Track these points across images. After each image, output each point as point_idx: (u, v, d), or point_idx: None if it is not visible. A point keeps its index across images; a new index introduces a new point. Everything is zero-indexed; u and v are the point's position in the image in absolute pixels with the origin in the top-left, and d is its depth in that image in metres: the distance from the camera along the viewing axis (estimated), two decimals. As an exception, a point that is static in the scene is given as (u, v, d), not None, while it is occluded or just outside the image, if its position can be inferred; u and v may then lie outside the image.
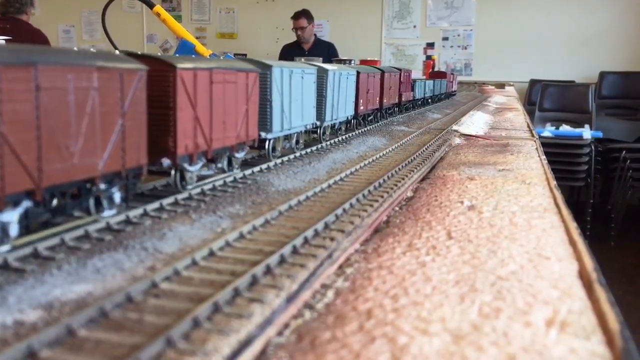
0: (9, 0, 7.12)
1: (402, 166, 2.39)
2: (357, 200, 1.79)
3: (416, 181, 2.20)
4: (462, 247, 1.44)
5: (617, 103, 10.16)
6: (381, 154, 2.68)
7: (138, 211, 1.54)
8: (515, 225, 1.64)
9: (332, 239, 1.41)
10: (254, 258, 1.26)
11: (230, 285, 1.08)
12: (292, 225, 1.53)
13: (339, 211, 1.63)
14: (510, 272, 1.27)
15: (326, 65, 2.97)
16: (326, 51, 9.14)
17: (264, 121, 2.23)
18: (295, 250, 1.32)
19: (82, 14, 12.86)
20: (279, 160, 2.35)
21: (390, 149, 2.85)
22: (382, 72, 3.97)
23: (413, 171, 2.31)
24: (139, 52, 1.66)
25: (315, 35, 10.03)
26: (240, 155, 2.05)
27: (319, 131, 2.89)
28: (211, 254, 1.29)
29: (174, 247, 1.34)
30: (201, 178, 1.90)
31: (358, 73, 3.36)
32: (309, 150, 2.68)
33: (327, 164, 2.43)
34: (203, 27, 12.58)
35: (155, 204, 1.61)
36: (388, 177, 2.16)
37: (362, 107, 3.48)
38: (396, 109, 4.64)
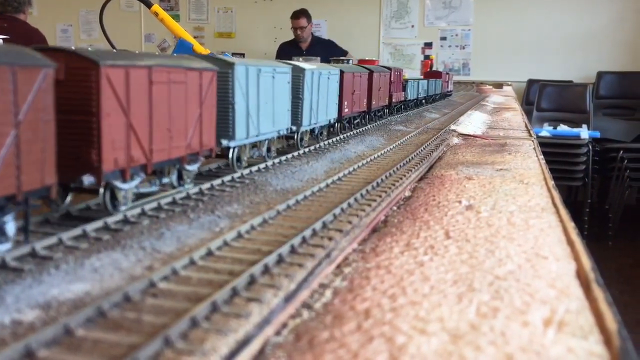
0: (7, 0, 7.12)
1: (400, 166, 2.39)
2: (355, 199, 1.79)
3: (414, 181, 2.20)
4: (460, 246, 1.44)
5: (615, 103, 10.17)
6: (379, 153, 2.68)
7: (136, 210, 1.54)
8: (513, 224, 1.64)
9: (330, 239, 1.41)
10: (252, 257, 1.26)
11: (228, 285, 1.08)
12: (290, 225, 1.53)
13: (337, 211, 1.63)
14: (508, 271, 1.27)
15: (304, 64, 2.73)
16: (325, 49, 9.11)
17: (226, 127, 1.97)
18: (293, 250, 1.32)
19: (80, 13, 12.83)
20: (277, 160, 2.35)
21: (388, 148, 2.85)
22: (370, 71, 3.69)
23: (411, 171, 2.31)
24: (54, 46, 1.41)
25: (312, 34, 10.03)
26: (192, 167, 1.79)
27: (295, 137, 2.63)
28: (209, 253, 1.29)
29: (172, 246, 1.34)
30: (143, 196, 1.65)
31: (342, 72, 3.13)
32: (296, 153, 2.67)
33: (325, 163, 2.43)
34: (201, 27, 12.56)
35: (153, 204, 1.61)
36: (386, 176, 2.16)
37: (346, 110, 3.22)
38: (386, 110, 4.38)
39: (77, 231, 1.35)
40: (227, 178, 1.98)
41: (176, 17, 11.94)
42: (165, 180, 1.72)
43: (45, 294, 1.06)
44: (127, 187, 1.51)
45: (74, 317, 0.93)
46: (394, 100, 4.40)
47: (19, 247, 1.22)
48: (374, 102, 3.77)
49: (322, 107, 2.84)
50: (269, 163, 2.29)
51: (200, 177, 2.02)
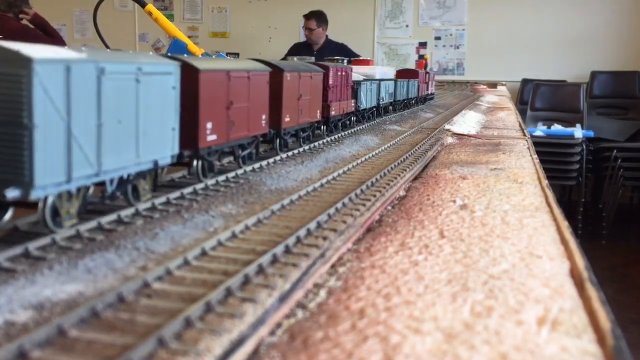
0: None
1: (395, 165, 2.39)
2: (350, 199, 1.79)
3: (408, 180, 2.20)
4: (454, 246, 1.44)
5: (608, 102, 10.22)
6: (373, 153, 2.69)
7: (130, 211, 1.54)
8: (507, 224, 1.65)
9: (324, 238, 1.41)
10: (246, 257, 1.26)
11: (222, 285, 1.08)
12: (284, 225, 1.52)
13: (332, 210, 1.63)
14: (502, 270, 1.27)
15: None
16: (336, 53, 9.08)
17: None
18: (287, 250, 1.32)
19: (74, 13, 12.79)
20: (271, 160, 2.35)
21: (383, 148, 2.85)
22: (276, 69, 2.36)
23: (405, 170, 2.31)
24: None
25: (327, 36, 9.99)
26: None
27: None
28: (203, 253, 1.28)
29: (166, 246, 1.34)
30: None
31: (189, 69, 1.75)
32: (290, 153, 2.66)
33: (320, 163, 2.43)
34: (195, 27, 12.54)
35: (147, 204, 1.61)
36: (380, 176, 2.16)
37: (211, 138, 1.84)
38: (318, 129, 2.98)
39: (70, 231, 1.35)
40: (222, 178, 1.97)
41: (170, 17, 11.91)
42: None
43: (38, 294, 1.05)
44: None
45: (68, 317, 0.93)
46: (334, 112, 3.08)
47: (12, 248, 1.21)
48: (286, 119, 2.46)
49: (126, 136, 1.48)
50: (264, 163, 2.28)
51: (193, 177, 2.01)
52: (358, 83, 3.57)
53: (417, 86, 5.55)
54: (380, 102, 4.20)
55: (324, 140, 2.94)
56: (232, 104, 1.94)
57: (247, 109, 2.08)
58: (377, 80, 4.08)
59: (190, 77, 1.74)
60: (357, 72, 3.83)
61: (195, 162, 1.86)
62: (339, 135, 3.17)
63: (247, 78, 2.06)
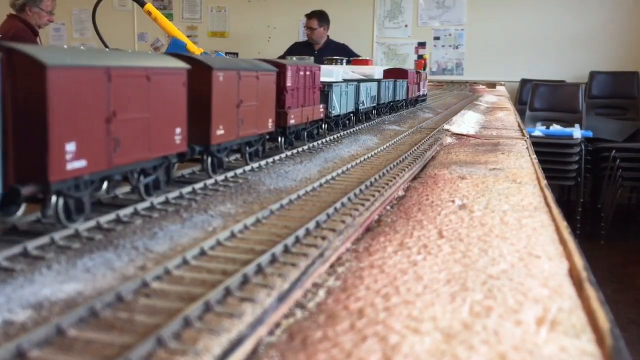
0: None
1: (394, 165, 2.39)
2: (349, 199, 1.79)
3: (407, 180, 2.20)
4: (453, 246, 1.44)
5: (607, 103, 10.23)
6: (372, 152, 2.69)
7: (129, 210, 1.53)
8: (506, 224, 1.65)
9: (323, 238, 1.41)
10: (245, 257, 1.26)
11: (221, 285, 1.08)
12: (283, 224, 1.52)
13: (331, 210, 1.63)
14: (501, 270, 1.27)
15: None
16: (338, 53, 9.05)
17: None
18: (286, 249, 1.32)
19: (73, 12, 12.78)
20: (270, 160, 2.35)
21: (382, 147, 2.85)
22: (204, 67, 1.81)
23: (404, 170, 2.31)
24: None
25: (328, 36, 9.99)
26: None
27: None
28: (202, 253, 1.28)
29: (165, 246, 1.34)
30: None
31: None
32: (299, 149, 2.66)
33: (319, 162, 2.43)
34: (194, 26, 12.54)
35: (146, 203, 1.61)
36: (379, 176, 2.16)
37: (75, 166, 1.30)
38: (277, 140, 2.50)
39: (69, 231, 1.35)
40: (220, 178, 1.97)
41: (169, 16, 11.91)
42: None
43: (37, 294, 1.05)
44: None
45: (66, 317, 0.93)
46: (294, 120, 2.53)
47: (10, 247, 1.21)
48: (218, 131, 1.89)
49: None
50: (262, 162, 2.28)
51: (192, 177, 2.02)
52: (329, 85, 3.05)
53: (406, 87, 5.01)
54: (360, 107, 3.61)
55: (323, 140, 2.94)
56: (113, 118, 1.42)
57: (148, 125, 1.59)
58: (354, 81, 3.54)
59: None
60: (357, 72, 3.78)
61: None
62: (338, 135, 3.16)
63: (146, 78, 1.53)
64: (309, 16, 9.76)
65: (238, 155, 2.30)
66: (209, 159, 1.92)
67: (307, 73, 2.73)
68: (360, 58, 8.34)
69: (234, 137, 2.01)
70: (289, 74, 2.50)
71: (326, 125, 3.06)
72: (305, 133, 2.78)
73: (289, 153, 2.52)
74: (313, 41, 9.78)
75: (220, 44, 11.79)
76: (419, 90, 5.64)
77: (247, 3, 12.27)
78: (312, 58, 8.15)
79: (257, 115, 2.19)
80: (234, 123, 1.99)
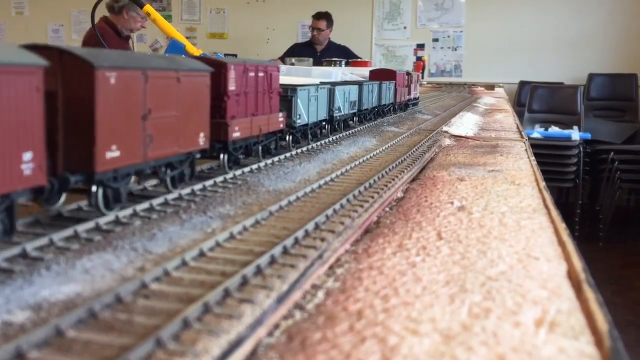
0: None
1: (392, 167, 2.39)
2: (348, 200, 1.79)
3: (406, 182, 2.21)
4: (452, 247, 1.45)
5: (605, 105, 10.25)
6: (371, 154, 2.69)
7: (128, 211, 1.53)
8: (504, 225, 1.65)
9: (322, 240, 1.41)
10: (244, 258, 1.26)
11: (220, 286, 1.08)
12: (282, 226, 1.52)
13: (330, 212, 1.63)
14: (499, 272, 1.27)
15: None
16: (339, 55, 9.07)
17: None
18: (285, 251, 1.32)
19: (72, 13, 12.79)
20: (269, 161, 2.35)
21: (381, 149, 2.86)
22: (87, 66, 1.31)
23: (403, 172, 2.31)
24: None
25: (329, 38, 10.02)
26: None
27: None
28: (201, 254, 1.28)
29: (164, 247, 1.34)
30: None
31: None
32: (299, 150, 2.67)
33: (318, 164, 2.43)
34: (193, 27, 12.55)
35: (145, 204, 1.61)
36: (378, 177, 2.16)
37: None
38: (218, 158, 2.05)
39: (68, 232, 1.35)
40: (219, 179, 1.97)
41: (168, 18, 11.91)
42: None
43: (35, 295, 1.05)
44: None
45: (65, 318, 0.93)
46: (239, 133, 2.06)
47: (9, 248, 1.21)
48: (109, 152, 1.42)
49: None
50: (262, 164, 2.28)
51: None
52: (292, 90, 2.56)
53: (394, 90, 4.51)
54: (336, 114, 3.11)
55: (322, 142, 2.94)
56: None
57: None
58: (327, 84, 3.07)
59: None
60: (356, 74, 3.65)
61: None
62: (338, 136, 3.16)
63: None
64: (318, 17, 9.75)
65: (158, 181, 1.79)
66: (98, 191, 1.45)
67: (260, 74, 2.24)
68: (359, 60, 8.32)
69: (139, 160, 1.53)
70: (231, 74, 2.01)
71: (290, 137, 2.60)
72: (260, 148, 2.29)
73: (288, 154, 2.52)
74: (317, 42, 9.78)
75: (219, 46, 11.80)
76: (409, 94, 5.18)
77: (246, 4, 12.28)
78: (312, 60, 8.13)
79: (178, 129, 1.68)
80: (136, 141, 1.51)
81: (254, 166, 2.23)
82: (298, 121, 2.61)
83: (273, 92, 2.37)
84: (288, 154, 2.53)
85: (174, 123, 1.66)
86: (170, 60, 1.72)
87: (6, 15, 13.19)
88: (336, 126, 3.22)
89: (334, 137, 3.12)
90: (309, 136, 2.82)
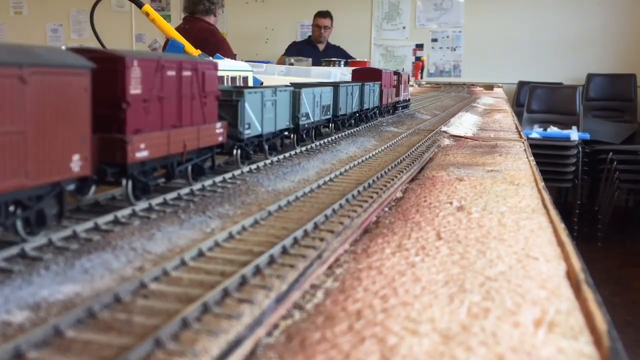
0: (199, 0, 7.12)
1: (392, 167, 2.39)
2: (347, 200, 1.79)
3: (405, 182, 2.21)
4: (451, 247, 1.45)
5: (604, 105, 10.26)
6: (370, 154, 2.69)
7: (127, 211, 1.53)
8: (503, 225, 1.65)
9: (321, 240, 1.41)
10: (243, 258, 1.26)
11: (219, 286, 1.08)
12: (281, 226, 1.52)
13: (329, 212, 1.63)
14: (498, 272, 1.27)
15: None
16: (337, 55, 9.11)
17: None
18: (284, 251, 1.32)
19: (71, 13, 12.77)
20: (268, 161, 2.35)
21: (380, 149, 2.85)
22: None
23: (402, 172, 2.31)
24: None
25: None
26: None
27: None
28: (200, 254, 1.28)
29: (163, 247, 1.34)
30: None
31: None
32: (298, 150, 2.66)
33: (317, 164, 2.43)
34: (192, 27, 12.52)
35: (144, 204, 1.60)
36: (377, 177, 2.16)
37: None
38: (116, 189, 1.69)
39: (67, 232, 1.35)
40: (219, 179, 1.97)
41: (167, 18, 11.91)
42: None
43: (35, 295, 1.05)
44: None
45: (64, 318, 0.93)
46: (148, 153, 1.56)
47: (9, 248, 1.21)
48: None
49: None
50: (261, 164, 2.28)
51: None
52: (239, 93, 2.08)
53: (379, 92, 3.97)
54: (302, 122, 2.63)
55: (322, 142, 2.93)
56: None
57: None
58: (288, 86, 2.59)
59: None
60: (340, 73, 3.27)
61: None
62: (337, 136, 3.15)
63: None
64: (323, 15, 9.77)
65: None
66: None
67: (186, 73, 1.74)
68: (356, 60, 8.32)
69: None
70: (133, 73, 1.51)
71: (238, 151, 2.13)
72: (189, 168, 1.83)
73: (287, 155, 2.51)
74: (319, 41, 9.77)
75: (218, 46, 11.77)
76: (397, 95, 4.56)
77: (245, 4, 12.27)
78: (311, 60, 8.11)
79: (27, 154, 1.19)
80: None
81: (253, 166, 2.22)
82: (247, 132, 2.14)
83: (207, 96, 1.87)
84: (287, 154, 2.52)
85: (19, 146, 1.17)
86: (10, 51, 1.15)
87: (5, 15, 13.18)
88: (304, 136, 2.73)
89: (337, 137, 3.11)
90: (266, 149, 2.34)
